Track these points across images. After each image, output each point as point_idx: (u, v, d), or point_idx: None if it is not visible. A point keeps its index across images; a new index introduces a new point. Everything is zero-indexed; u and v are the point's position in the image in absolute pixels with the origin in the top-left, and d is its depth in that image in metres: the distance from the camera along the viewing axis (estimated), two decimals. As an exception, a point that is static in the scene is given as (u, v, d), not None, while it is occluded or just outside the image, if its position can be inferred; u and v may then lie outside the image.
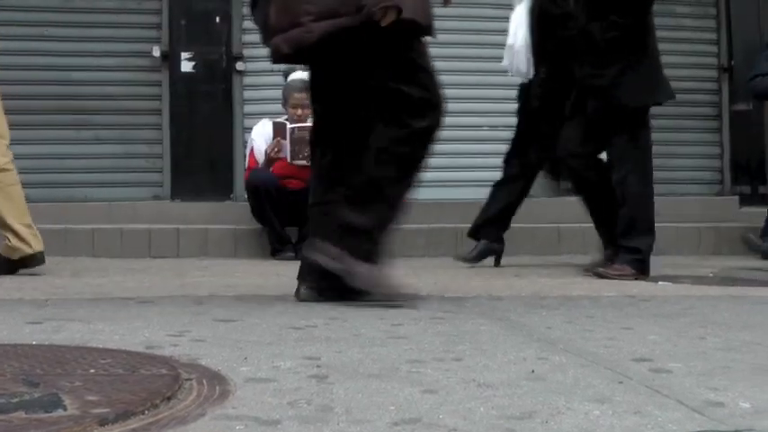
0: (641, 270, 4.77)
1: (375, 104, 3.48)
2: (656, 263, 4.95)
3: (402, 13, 3.28)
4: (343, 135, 3.60)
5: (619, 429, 1.59)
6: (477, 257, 5.46)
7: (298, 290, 3.54)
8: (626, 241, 4.80)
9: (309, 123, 6.28)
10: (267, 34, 3.50)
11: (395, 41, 3.37)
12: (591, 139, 4.99)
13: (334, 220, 3.43)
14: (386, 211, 3.47)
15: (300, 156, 6.20)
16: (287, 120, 6.36)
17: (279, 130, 6.25)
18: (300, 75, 6.39)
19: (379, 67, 3.43)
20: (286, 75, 6.50)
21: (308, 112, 6.36)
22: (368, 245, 3.41)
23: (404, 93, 3.41)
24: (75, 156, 7.65)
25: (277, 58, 3.53)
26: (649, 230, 4.88)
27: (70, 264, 5.53)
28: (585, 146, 5.01)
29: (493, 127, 8.04)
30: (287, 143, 6.20)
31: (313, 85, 3.73)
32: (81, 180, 7.64)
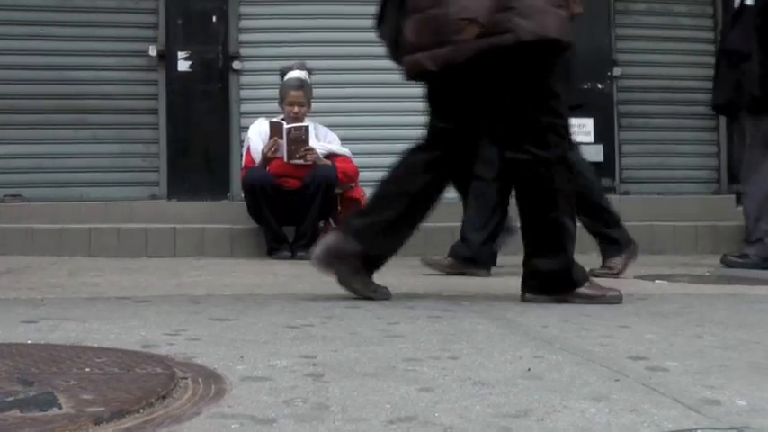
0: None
1: (501, 127, 3.53)
2: (653, 261, 4.95)
3: (548, 34, 3.34)
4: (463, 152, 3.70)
5: (615, 427, 1.59)
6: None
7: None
8: None
9: (306, 123, 6.31)
10: (399, 50, 3.58)
11: (538, 63, 3.42)
12: None
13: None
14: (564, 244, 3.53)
15: (297, 155, 6.20)
16: (283, 119, 6.35)
17: (275, 129, 6.25)
18: (297, 74, 6.40)
19: (516, 88, 3.46)
20: (282, 74, 6.50)
21: (305, 110, 6.38)
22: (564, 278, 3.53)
23: (534, 118, 3.44)
24: (71, 155, 7.65)
25: (415, 74, 3.56)
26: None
27: (66, 263, 5.53)
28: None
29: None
30: (283, 143, 6.20)
31: (436, 103, 3.70)
32: (77, 179, 7.64)
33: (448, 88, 3.56)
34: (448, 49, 3.36)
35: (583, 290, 3.50)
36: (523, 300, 3.53)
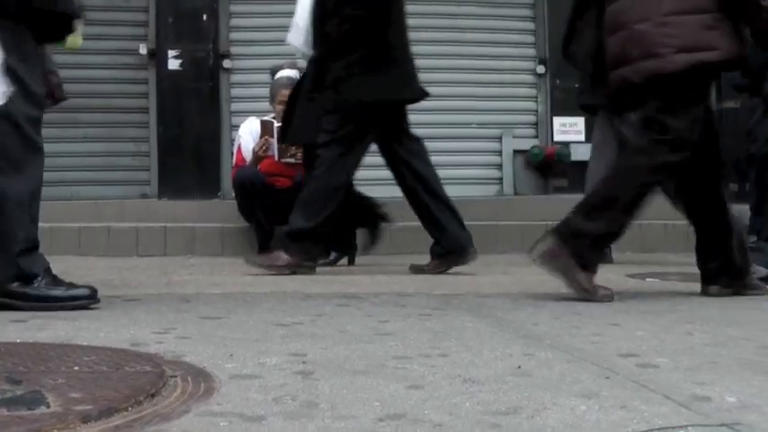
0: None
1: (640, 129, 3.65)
2: (645, 260, 4.95)
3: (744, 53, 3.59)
4: None
5: (605, 424, 1.59)
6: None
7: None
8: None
9: (297, 121, 6.28)
10: (598, 67, 3.79)
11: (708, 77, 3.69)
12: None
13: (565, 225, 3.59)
14: (619, 218, 3.62)
15: (288, 154, 6.19)
16: (274, 118, 6.34)
17: (267, 128, 6.24)
18: (288, 72, 6.38)
19: (679, 98, 3.59)
20: (273, 72, 6.48)
21: (296, 109, 6.36)
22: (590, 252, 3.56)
23: (673, 126, 3.56)
24: (61, 154, 7.61)
25: (620, 88, 3.68)
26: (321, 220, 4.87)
27: (57, 262, 5.49)
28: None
29: (482, 125, 8.05)
30: (274, 141, 6.18)
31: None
32: (68, 178, 7.61)
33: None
34: (656, 62, 3.50)
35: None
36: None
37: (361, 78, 4.86)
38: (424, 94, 5.07)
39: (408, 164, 5.05)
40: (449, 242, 4.96)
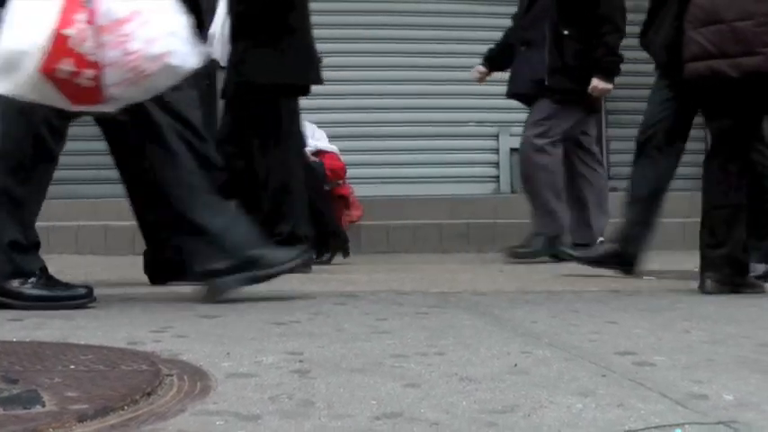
0: None
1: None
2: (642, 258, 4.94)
3: None
4: None
5: (601, 422, 1.59)
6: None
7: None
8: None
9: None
10: (672, 56, 4.01)
11: None
12: (234, 122, 4.95)
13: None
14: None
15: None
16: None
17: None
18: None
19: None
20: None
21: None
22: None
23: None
24: (62, 153, 7.61)
25: (704, 80, 3.82)
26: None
27: (54, 260, 5.49)
28: (230, 130, 4.98)
29: (479, 123, 8.05)
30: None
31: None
32: (66, 177, 7.56)
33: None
34: (758, 59, 3.62)
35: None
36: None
37: (263, 59, 4.82)
38: (318, 81, 5.08)
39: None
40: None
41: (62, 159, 7.27)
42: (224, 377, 1.94)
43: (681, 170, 8.58)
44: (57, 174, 6.78)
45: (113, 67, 2.70)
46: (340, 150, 6.60)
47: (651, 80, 8.31)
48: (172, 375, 1.93)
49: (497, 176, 8.01)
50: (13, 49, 2.66)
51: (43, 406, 1.63)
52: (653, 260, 5.29)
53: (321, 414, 1.63)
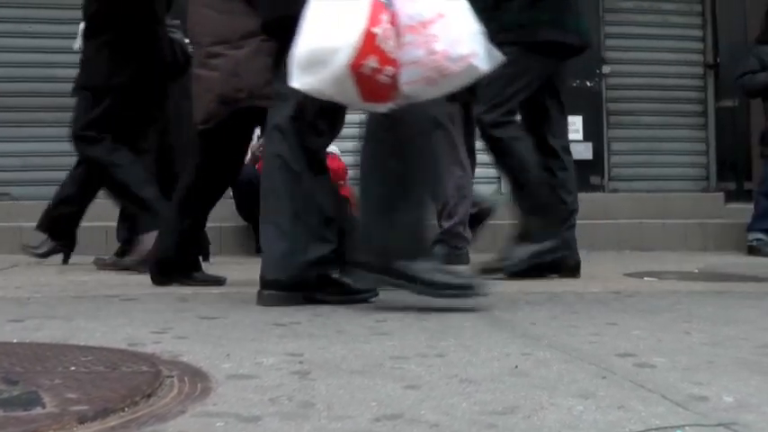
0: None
1: None
2: (642, 258, 4.95)
3: None
4: None
5: (602, 424, 1.58)
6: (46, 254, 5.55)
7: None
8: None
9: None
10: None
11: None
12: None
13: None
14: None
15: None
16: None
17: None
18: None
19: None
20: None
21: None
22: None
23: None
24: (60, 153, 7.58)
25: None
26: None
27: (55, 261, 5.50)
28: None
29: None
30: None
31: None
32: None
33: None
34: None
35: None
36: None
37: (105, 61, 4.95)
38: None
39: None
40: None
41: (61, 160, 7.22)
42: (224, 378, 1.94)
43: (680, 171, 8.64)
44: (56, 175, 6.72)
45: (414, 66, 2.84)
46: (341, 151, 6.60)
47: (651, 81, 8.34)
48: (172, 377, 1.93)
49: (498, 177, 8.00)
50: (322, 47, 2.80)
51: (43, 407, 1.63)
52: (653, 261, 5.30)
53: (321, 416, 1.63)
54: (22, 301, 3.43)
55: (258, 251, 6.14)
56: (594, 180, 8.57)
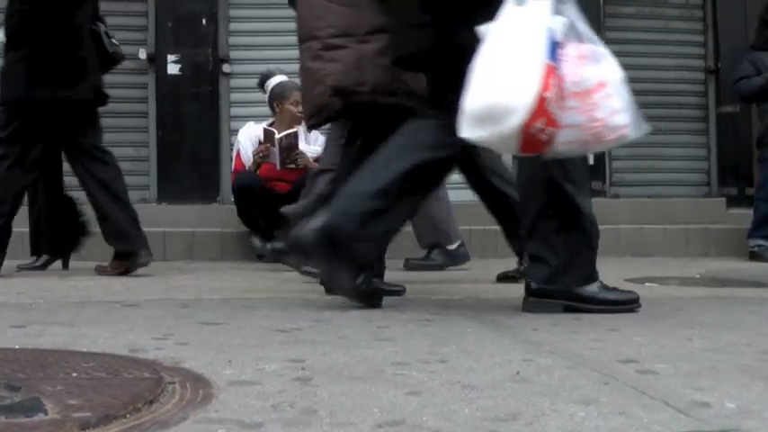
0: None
1: None
2: (644, 264, 4.94)
3: None
4: None
5: (604, 430, 1.58)
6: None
7: None
8: None
9: (294, 129, 6.29)
10: None
11: None
12: None
13: None
14: None
15: (289, 161, 6.20)
16: (273, 123, 6.36)
17: (269, 137, 6.24)
18: (280, 78, 6.38)
19: None
20: (263, 79, 6.47)
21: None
22: None
23: None
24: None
25: None
26: None
27: (56, 267, 5.50)
28: None
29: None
30: (276, 151, 6.19)
31: None
32: (67, 183, 7.60)
33: None
34: None
35: None
36: None
37: (22, 75, 4.88)
38: (90, 97, 5.12)
39: (89, 169, 5.18)
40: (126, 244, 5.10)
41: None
42: (226, 385, 1.94)
43: (682, 176, 8.63)
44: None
45: (573, 129, 2.94)
46: (342, 155, 6.60)
47: (652, 87, 8.33)
48: (174, 383, 1.93)
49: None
50: (499, 104, 2.88)
51: (45, 414, 1.63)
52: (654, 266, 5.30)
53: (323, 422, 1.63)
54: (24, 307, 3.42)
55: (260, 257, 6.17)
56: (596, 185, 8.56)
